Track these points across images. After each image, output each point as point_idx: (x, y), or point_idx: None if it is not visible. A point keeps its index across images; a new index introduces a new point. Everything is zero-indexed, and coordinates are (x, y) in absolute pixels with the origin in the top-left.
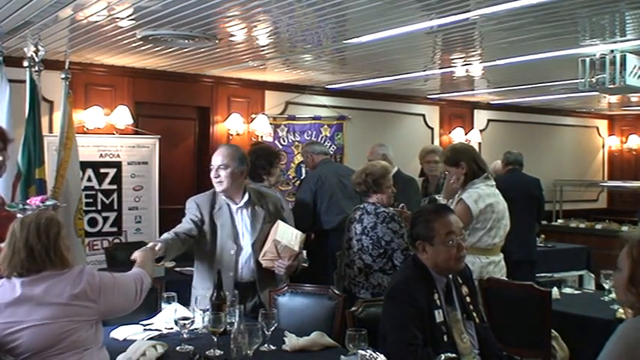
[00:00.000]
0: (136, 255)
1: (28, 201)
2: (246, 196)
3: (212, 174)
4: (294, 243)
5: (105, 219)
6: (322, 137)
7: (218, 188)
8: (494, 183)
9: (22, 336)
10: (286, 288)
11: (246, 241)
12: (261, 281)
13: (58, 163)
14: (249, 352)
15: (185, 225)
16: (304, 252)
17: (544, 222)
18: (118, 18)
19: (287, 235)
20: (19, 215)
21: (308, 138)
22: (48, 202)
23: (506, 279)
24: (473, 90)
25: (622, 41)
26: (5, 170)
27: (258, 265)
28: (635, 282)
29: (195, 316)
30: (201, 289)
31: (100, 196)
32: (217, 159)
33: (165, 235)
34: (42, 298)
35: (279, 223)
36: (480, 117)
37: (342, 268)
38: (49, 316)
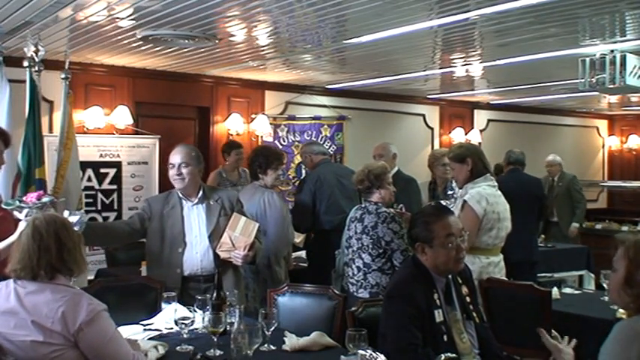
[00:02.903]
0: None
1: (24, 198)
2: (201, 193)
3: (173, 172)
4: (248, 233)
5: (105, 219)
6: (322, 137)
7: (179, 185)
8: (495, 184)
9: (11, 348)
10: (286, 288)
11: (203, 235)
12: (223, 274)
13: (58, 163)
14: (249, 352)
15: (132, 218)
16: (303, 252)
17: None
18: (118, 18)
19: (240, 225)
20: (15, 213)
21: (308, 138)
22: (44, 199)
23: (506, 279)
24: (473, 90)
25: (622, 41)
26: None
27: (218, 257)
28: (631, 283)
29: (195, 316)
30: None
31: (100, 196)
32: (177, 157)
33: (98, 222)
34: (30, 315)
35: (235, 215)
36: (480, 117)
37: (340, 267)
38: (32, 337)
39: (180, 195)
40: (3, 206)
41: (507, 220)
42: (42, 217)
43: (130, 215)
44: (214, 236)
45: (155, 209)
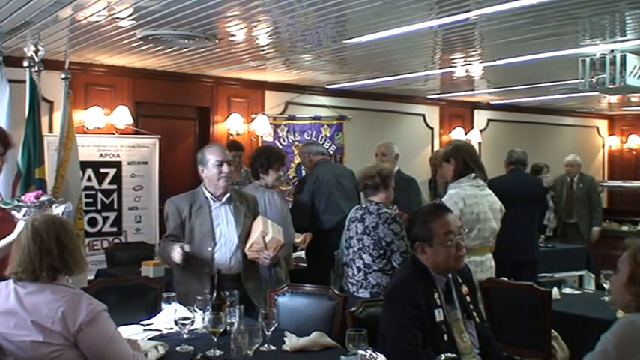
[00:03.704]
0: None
1: (22, 197)
2: (228, 194)
3: (221, 169)
4: (279, 235)
5: (105, 219)
6: (322, 137)
7: (225, 183)
8: (480, 183)
9: (11, 348)
10: (286, 288)
11: (232, 235)
12: (245, 272)
13: (58, 163)
14: (249, 352)
15: (173, 236)
16: (302, 252)
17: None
18: (118, 18)
19: (271, 227)
20: (14, 213)
21: (308, 138)
22: (43, 198)
23: (506, 279)
24: (473, 90)
25: (622, 41)
26: (1, 172)
27: (244, 257)
28: (635, 282)
29: (195, 316)
30: (184, 284)
31: (100, 196)
32: (225, 154)
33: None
34: (30, 315)
35: (262, 218)
36: (480, 117)
37: (339, 267)
38: (32, 337)
39: (208, 195)
40: (1, 206)
41: (492, 221)
42: (41, 218)
43: (129, 215)
44: (242, 237)
45: (183, 210)
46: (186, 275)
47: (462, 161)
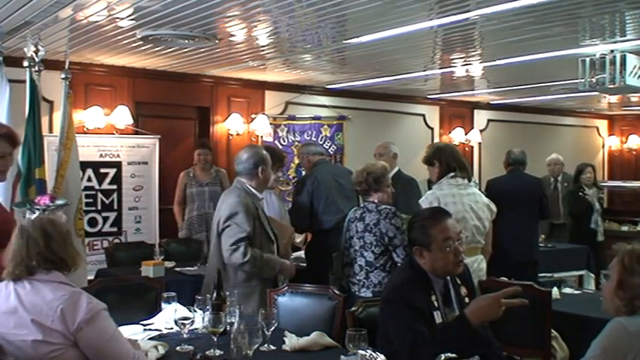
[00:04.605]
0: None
1: (36, 200)
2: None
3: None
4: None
5: (105, 219)
6: (322, 137)
7: (271, 185)
8: (461, 182)
9: (11, 348)
10: (286, 288)
11: (271, 233)
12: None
13: (58, 163)
14: (249, 352)
15: (250, 238)
16: (302, 252)
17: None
18: (118, 18)
19: None
20: (27, 214)
21: (308, 138)
22: (58, 202)
23: (506, 279)
24: (473, 90)
25: (622, 41)
26: (8, 171)
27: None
28: (624, 286)
29: (195, 316)
30: (246, 287)
31: (100, 196)
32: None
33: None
34: (30, 314)
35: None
36: (480, 117)
37: (338, 268)
38: (32, 336)
39: (260, 195)
40: (14, 207)
41: (473, 220)
42: (31, 220)
43: (129, 215)
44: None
45: (254, 209)
46: (258, 274)
47: (444, 163)
